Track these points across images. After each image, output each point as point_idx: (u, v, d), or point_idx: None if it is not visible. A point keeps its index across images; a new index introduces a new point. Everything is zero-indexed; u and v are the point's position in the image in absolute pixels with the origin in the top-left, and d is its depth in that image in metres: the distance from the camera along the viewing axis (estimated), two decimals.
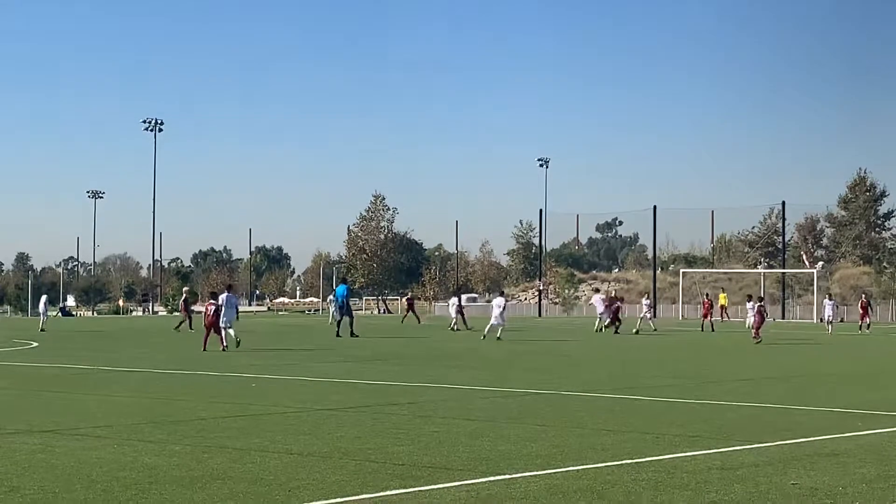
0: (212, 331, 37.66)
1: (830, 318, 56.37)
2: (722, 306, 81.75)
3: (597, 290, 61.75)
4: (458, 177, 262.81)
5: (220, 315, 37.43)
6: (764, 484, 11.83)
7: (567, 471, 12.55)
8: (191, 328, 52.93)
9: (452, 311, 57.91)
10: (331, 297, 60.23)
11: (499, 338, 46.19)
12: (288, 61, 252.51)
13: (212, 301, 38.73)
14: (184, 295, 59.22)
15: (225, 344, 36.97)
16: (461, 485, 11.60)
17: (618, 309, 55.96)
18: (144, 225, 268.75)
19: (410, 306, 65.03)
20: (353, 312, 50.33)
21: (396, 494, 11.07)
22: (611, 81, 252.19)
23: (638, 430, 16.33)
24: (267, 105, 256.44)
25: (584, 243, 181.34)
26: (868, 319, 59.66)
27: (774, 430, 16.30)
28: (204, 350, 36.56)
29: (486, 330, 47.31)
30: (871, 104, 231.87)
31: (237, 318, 39.57)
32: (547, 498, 11.00)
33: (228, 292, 39.31)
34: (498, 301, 49.08)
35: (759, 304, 46.65)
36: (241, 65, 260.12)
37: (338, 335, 47.26)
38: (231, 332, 37.45)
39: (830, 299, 61.40)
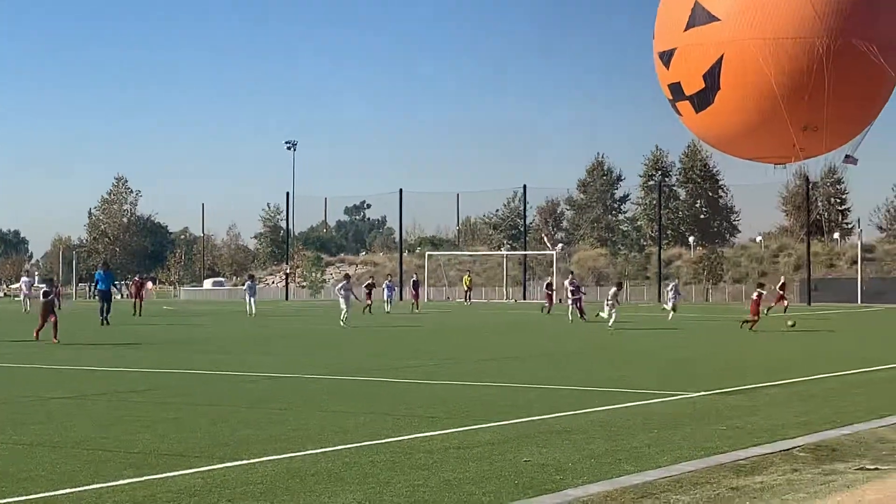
0: None
1: (673, 301, 52.06)
2: (467, 288, 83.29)
3: (571, 273, 59.14)
4: (205, 159, 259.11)
5: None
6: (498, 462, 12.12)
7: (306, 454, 12.57)
8: None
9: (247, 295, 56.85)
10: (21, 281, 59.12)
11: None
12: (23, 41, 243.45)
13: None
14: None
15: None
16: (197, 472, 11.47)
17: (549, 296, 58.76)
18: None
19: (139, 291, 61.52)
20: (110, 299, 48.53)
21: (129, 483, 10.87)
22: (357, 63, 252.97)
23: (379, 412, 16.47)
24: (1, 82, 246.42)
25: (333, 226, 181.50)
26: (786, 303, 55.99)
27: (511, 409, 16.70)
28: None
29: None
30: (609, 88, 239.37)
31: None
32: (285, 481, 10.99)
33: None
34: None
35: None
36: None
37: (105, 323, 45.22)
38: None
39: (672, 281, 60.07)
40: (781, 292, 55.98)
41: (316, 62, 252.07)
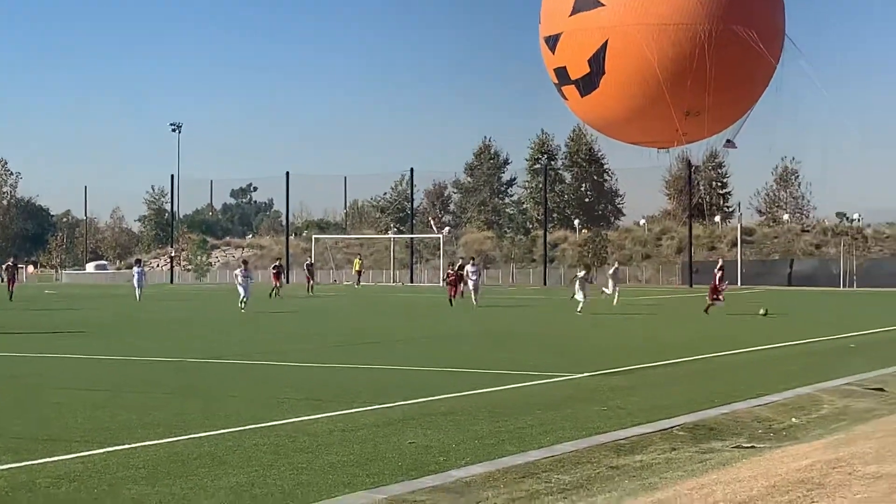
0: None
1: (614, 285, 50.13)
2: (357, 271, 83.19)
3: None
4: (88, 142, 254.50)
5: None
6: (383, 444, 12.17)
7: (189, 438, 12.49)
8: None
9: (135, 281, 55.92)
10: None
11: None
12: None
13: None
14: None
15: None
16: (78, 456, 11.34)
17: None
18: None
19: (12, 276, 59.99)
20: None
21: (8, 469, 10.72)
22: (243, 45, 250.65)
23: (263, 395, 16.42)
24: None
25: (219, 209, 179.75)
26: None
27: (396, 391, 16.75)
28: None
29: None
30: (496, 72, 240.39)
31: None
32: (167, 465, 10.92)
33: None
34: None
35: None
36: None
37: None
38: None
39: (613, 265, 56.41)
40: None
41: (201, 44, 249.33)
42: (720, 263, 44.24)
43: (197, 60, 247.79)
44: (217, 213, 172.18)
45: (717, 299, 40.48)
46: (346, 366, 21.20)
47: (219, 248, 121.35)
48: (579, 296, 41.63)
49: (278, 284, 58.21)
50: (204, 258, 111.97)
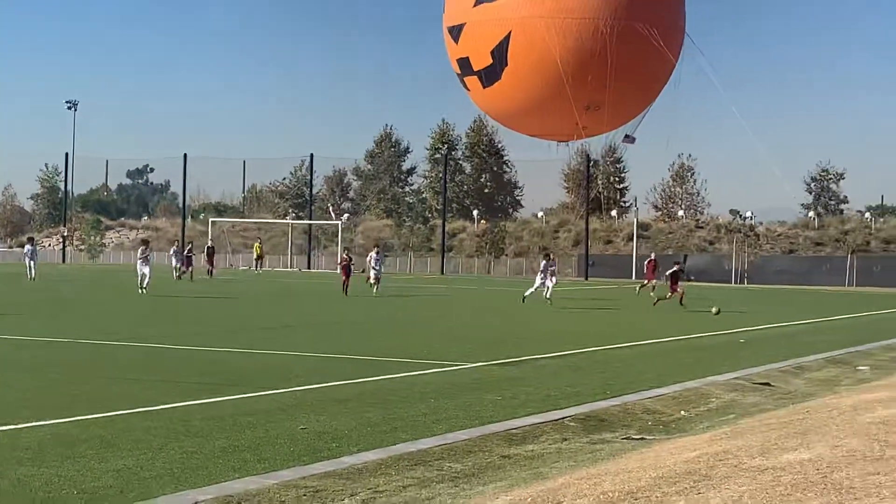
0: None
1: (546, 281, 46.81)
2: (258, 256, 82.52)
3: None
4: None
5: None
6: (274, 429, 12.12)
7: (78, 419, 12.32)
8: None
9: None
10: None
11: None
12: None
13: None
14: None
15: None
16: None
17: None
18: None
19: None
20: None
21: None
22: (142, 23, 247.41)
23: (156, 379, 16.27)
24: None
25: (114, 189, 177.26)
26: (654, 280, 50.26)
27: (290, 377, 16.69)
28: None
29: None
30: (399, 61, 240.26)
31: None
32: (54, 447, 10.76)
33: None
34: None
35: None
36: None
37: None
38: None
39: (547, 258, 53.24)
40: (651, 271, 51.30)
41: (99, 20, 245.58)
42: (678, 266, 43.11)
43: (95, 38, 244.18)
44: (112, 194, 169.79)
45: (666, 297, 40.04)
46: (241, 350, 21.08)
47: (113, 228, 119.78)
48: (539, 281, 41.22)
49: (190, 268, 58.09)
50: (97, 239, 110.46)
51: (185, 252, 61.01)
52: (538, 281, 41.52)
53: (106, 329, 25.81)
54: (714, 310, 36.44)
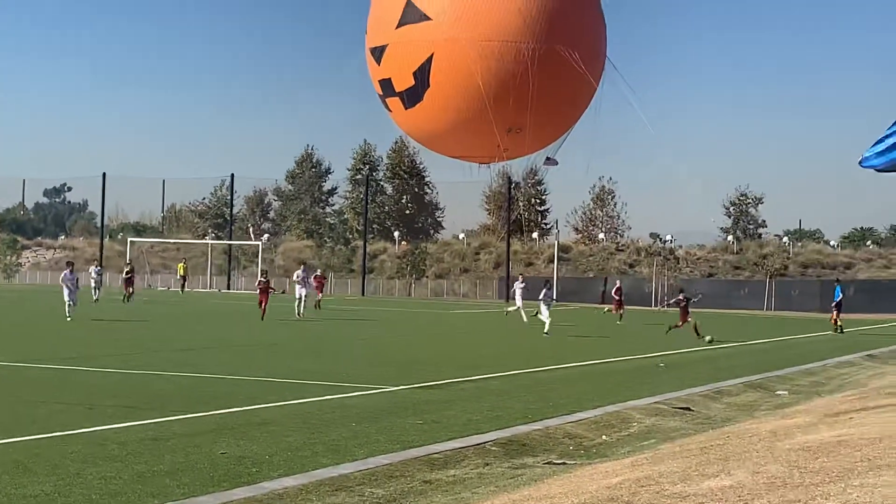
0: None
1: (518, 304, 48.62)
2: (182, 276, 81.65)
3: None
4: None
5: None
6: (194, 454, 11.98)
7: None
8: None
9: None
10: None
11: None
12: None
13: None
14: None
15: None
16: None
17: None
18: None
19: None
20: None
21: None
22: (58, 42, 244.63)
23: (72, 402, 16.03)
24: None
25: (31, 209, 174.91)
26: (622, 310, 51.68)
27: (211, 400, 16.53)
28: None
29: None
30: (321, 81, 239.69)
31: None
32: None
33: None
34: None
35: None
36: None
37: None
38: None
39: (522, 281, 54.74)
40: (617, 297, 52.81)
41: (16, 36, 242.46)
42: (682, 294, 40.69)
43: (12, 53, 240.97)
44: (29, 213, 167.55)
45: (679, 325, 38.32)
46: (161, 373, 20.83)
47: (30, 248, 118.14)
48: (543, 316, 39.57)
49: (130, 291, 57.98)
50: (13, 259, 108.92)
51: (125, 273, 60.87)
52: (545, 311, 39.92)
53: (21, 351, 25.40)
54: (707, 339, 35.61)
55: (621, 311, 50.97)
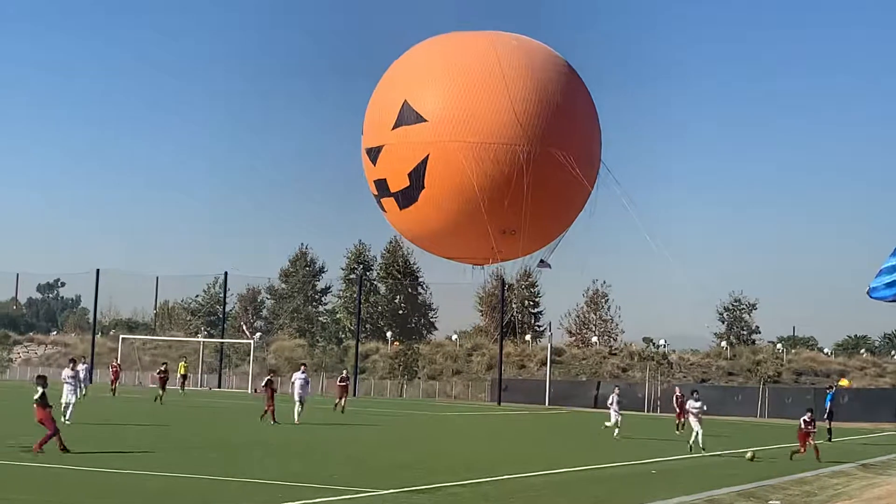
0: None
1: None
2: (183, 375, 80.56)
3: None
4: None
5: None
6: None
7: None
8: None
9: None
10: None
11: None
12: None
13: None
14: None
15: None
16: None
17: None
18: None
19: None
20: None
21: None
22: (53, 137, 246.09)
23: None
24: None
25: (24, 303, 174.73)
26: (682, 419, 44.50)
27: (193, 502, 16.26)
28: None
29: None
30: (316, 181, 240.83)
31: None
32: None
33: None
34: None
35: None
36: None
37: None
38: None
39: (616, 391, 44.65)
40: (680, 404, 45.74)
41: (10, 134, 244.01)
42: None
43: (5, 150, 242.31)
44: (22, 308, 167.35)
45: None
46: (145, 473, 20.53)
47: (21, 343, 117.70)
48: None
49: (164, 391, 58.02)
50: (5, 354, 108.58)
51: (158, 372, 61.13)
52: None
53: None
54: (749, 455, 32.98)
55: (682, 420, 44.66)
